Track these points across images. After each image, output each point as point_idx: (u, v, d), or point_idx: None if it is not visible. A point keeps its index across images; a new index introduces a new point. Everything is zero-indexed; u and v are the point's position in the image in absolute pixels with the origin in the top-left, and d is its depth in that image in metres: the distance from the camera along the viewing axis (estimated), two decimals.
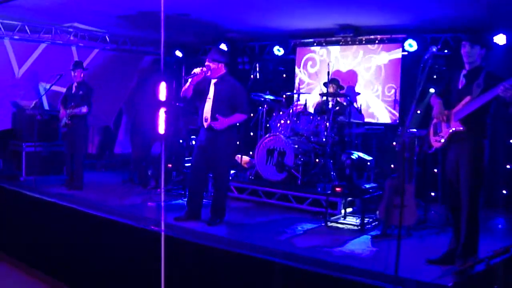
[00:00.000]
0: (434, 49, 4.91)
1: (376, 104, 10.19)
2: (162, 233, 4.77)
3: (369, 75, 10.31)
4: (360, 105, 9.79)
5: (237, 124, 7.21)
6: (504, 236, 7.30)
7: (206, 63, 7.08)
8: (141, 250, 5.39)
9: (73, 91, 9.31)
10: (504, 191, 8.74)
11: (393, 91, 9.97)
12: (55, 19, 9.89)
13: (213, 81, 7.13)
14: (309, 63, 11.12)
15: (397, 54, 9.95)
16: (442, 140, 5.41)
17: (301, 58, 11.26)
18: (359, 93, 10.25)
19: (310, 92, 10.42)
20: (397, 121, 9.84)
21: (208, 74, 7.07)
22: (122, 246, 5.75)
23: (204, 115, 7.08)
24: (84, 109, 9.04)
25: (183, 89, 7.19)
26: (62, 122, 9.30)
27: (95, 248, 6.09)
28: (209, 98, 7.08)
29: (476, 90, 5.11)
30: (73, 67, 9.33)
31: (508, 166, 8.80)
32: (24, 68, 10.99)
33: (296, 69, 11.35)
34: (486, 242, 5.55)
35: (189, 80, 7.06)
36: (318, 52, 11.01)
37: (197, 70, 7.02)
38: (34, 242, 7.08)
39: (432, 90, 8.05)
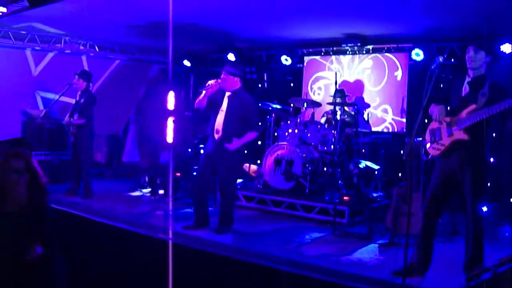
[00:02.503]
0: (441, 59, 4.89)
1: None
2: (170, 241, 4.81)
3: (375, 85, 10.35)
4: (368, 115, 9.82)
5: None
6: (511, 244, 7.30)
7: (222, 76, 7.12)
8: (149, 258, 5.42)
9: (77, 99, 9.32)
10: (511, 199, 8.74)
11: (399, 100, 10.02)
12: (65, 29, 9.99)
13: (227, 94, 7.18)
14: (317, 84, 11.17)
15: (405, 63, 9.99)
16: (442, 148, 5.27)
17: (309, 74, 11.31)
18: (369, 105, 10.26)
19: (319, 102, 10.45)
20: (404, 129, 9.87)
21: (223, 86, 7.12)
22: (130, 253, 5.78)
23: (216, 127, 7.11)
24: (81, 121, 9.07)
25: (197, 100, 7.23)
26: (69, 131, 9.30)
27: (103, 256, 6.12)
28: (222, 111, 7.12)
29: (482, 99, 5.02)
30: (76, 75, 9.32)
31: None
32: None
33: (304, 77, 11.39)
34: (493, 250, 5.56)
35: (204, 92, 7.12)
36: (325, 63, 11.04)
37: (211, 82, 7.08)
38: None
39: None
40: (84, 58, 11.68)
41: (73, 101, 9.70)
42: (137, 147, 12.81)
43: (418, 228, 5.92)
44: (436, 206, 5.32)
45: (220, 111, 7.14)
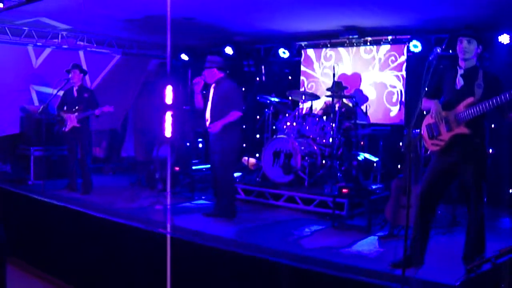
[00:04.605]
0: (439, 50, 4.86)
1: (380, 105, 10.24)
2: (168, 236, 4.81)
3: (374, 76, 10.34)
4: (366, 107, 9.80)
5: (243, 126, 7.51)
6: (510, 235, 7.31)
7: (203, 72, 7.64)
8: (148, 252, 5.43)
9: (75, 95, 9.29)
10: (510, 190, 8.74)
11: (397, 92, 10.00)
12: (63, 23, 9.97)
13: (213, 85, 7.63)
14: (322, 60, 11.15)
15: (402, 55, 9.98)
16: (442, 144, 5.18)
17: (311, 58, 11.30)
18: (367, 98, 10.25)
19: (318, 95, 10.43)
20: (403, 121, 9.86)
21: (206, 80, 7.62)
22: (129, 248, 5.79)
23: (206, 117, 7.60)
24: (108, 108, 9.09)
25: (196, 101, 7.76)
26: (68, 126, 9.26)
27: (103, 250, 6.13)
28: (209, 101, 7.59)
29: (478, 91, 4.96)
30: (70, 68, 9.30)
31: None
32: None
33: (302, 70, 11.40)
34: (492, 241, 5.55)
35: (195, 90, 7.67)
36: (324, 55, 11.03)
37: (196, 80, 7.62)
38: (42, 245, 7.13)
39: None
40: (81, 53, 11.65)
41: None
42: (133, 141, 12.86)
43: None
44: (432, 200, 5.30)
45: (208, 103, 7.62)
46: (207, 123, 7.53)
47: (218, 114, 7.39)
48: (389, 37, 10.07)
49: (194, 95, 7.69)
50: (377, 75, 10.31)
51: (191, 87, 7.76)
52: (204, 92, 7.83)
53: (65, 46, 11.08)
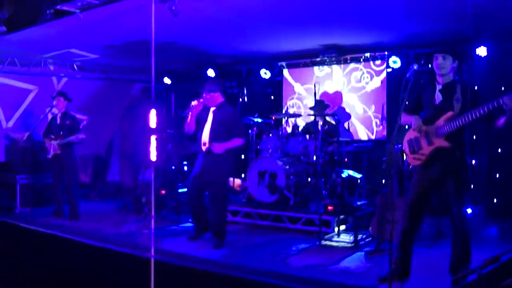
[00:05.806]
0: (415, 67, 4.96)
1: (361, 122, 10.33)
2: (152, 259, 4.83)
3: (355, 94, 10.44)
4: (349, 124, 9.89)
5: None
6: (496, 244, 7.37)
7: (204, 95, 7.41)
8: (134, 276, 5.43)
9: (58, 122, 9.27)
10: (495, 200, 8.83)
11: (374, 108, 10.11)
12: (45, 51, 10.00)
13: (212, 108, 7.44)
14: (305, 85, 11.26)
15: (383, 71, 10.10)
16: (423, 158, 5.25)
17: (292, 77, 11.41)
18: (349, 116, 10.35)
19: (300, 114, 10.51)
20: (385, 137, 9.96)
21: (207, 103, 7.42)
22: (115, 272, 5.79)
23: (203, 140, 7.35)
24: (82, 135, 8.99)
25: (186, 124, 7.54)
26: (50, 153, 9.25)
27: (91, 277, 6.13)
28: (208, 125, 7.37)
29: (457, 105, 5.08)
30: (55, 95, 9.32)
31: (497, 175, 8.90)
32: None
33: (284, 89, 11.50)
34: (478, 251, 5.60)
35: (190, 114, 7.45)
36: (304, 74, 11.14)
37: (194, 103, 7.39)
38: (31, 273, 7.11)
39: None
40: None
41: None
42: (118, 165, 12.83)
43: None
44: (418, 213, 5.35)
45: (206, 125, 7.39)
46: (204, 147, 7.30)
47: (218, 138, 7.22)
48: (368, 54, 10.19)
49: (188, 118, 7.48)
50: (357, 91, 10.41)
51: (188, 110, 7.44)
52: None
53: (55, 77, 11.14)
